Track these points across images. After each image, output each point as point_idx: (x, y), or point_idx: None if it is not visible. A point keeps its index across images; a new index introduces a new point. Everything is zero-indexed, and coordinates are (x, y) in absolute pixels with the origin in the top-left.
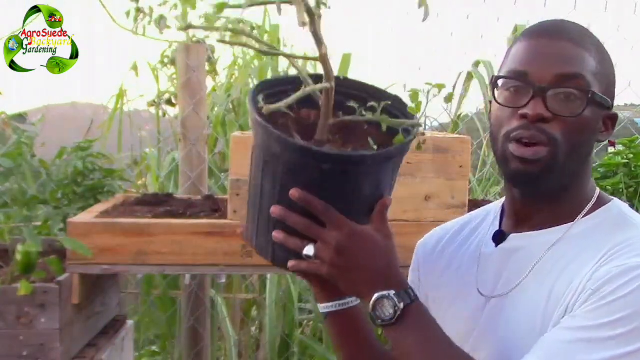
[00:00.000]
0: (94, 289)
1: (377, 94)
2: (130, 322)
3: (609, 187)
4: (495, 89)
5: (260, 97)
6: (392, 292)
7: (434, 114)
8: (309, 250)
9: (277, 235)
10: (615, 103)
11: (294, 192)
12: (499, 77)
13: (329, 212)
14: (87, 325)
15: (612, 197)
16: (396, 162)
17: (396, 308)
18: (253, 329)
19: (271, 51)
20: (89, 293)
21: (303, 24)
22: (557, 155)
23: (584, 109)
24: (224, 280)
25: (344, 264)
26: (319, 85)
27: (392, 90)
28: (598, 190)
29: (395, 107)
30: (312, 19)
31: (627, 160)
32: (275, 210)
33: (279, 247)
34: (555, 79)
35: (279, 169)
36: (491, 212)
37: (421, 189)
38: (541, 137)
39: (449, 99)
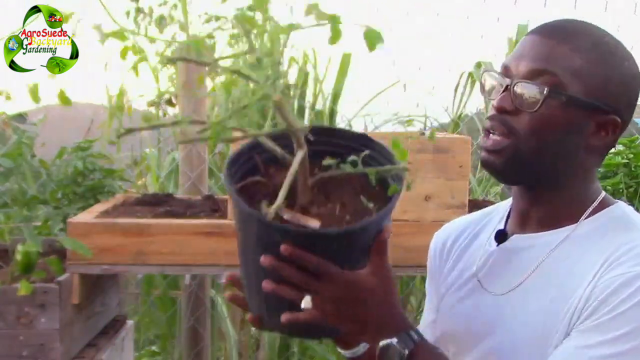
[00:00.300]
0: (94, 289)
1: (347, 136)
2: (130, 322)
3: (609, 187)
4: (487, 81)
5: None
6: (394, 340)
7: (434, 114)
8: (306, 301)
9: (266, 285)
10: None
11: (285, 248)
12: (484, 70)
13: (322, 265)
14: (87, 325)
15: (617, 200)
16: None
17: (401, 355)
18: (253, 329)
19: (243, 135)
20: (89, 293)
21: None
22: (519, 147)
23: (541, 104)
24: (224, 280)
25: (343, 314)
26: (297, 159)
27: (392, 91)
28: (603, 192)
29: (378, 152)
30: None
31: (627, 160)
32: (266, 260)
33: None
34: (523, 74)
35: (280, 250)
36: (500, 211)
37: (421, 189)
38: (501, 127)
39: (431, 137)
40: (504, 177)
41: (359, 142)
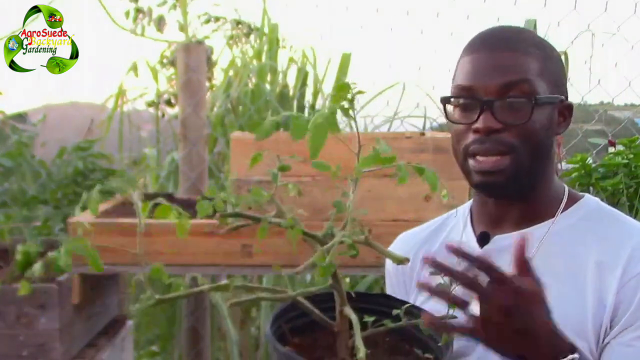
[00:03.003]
0: (94, 289)
1: (389, 302)
2: (130, 322)
3: (609, 187)
4: (447, 107)
5: None
6: (576, 356)
7: (433, 114)
8: (474, 308)
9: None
10: (615, 103)
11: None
12: (447, 97)
13: (490, 265)
14: (87, 325)
15: (583, 193)
16: None
17: None
18: (253, 329)
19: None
20: (89, 293)
21: None
22: (520, 161)
23: (531, 113)
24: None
25: (514, 327)
26: (354, 318)
27: (392, 91)
28: (566, 186)
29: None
30: None
31: (627, 161)
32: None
33: None
34: (499, 90)
35: None
36: (459, 219)
37: (421, 189)
38: (499, 147)
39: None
40: (506, 193)
41: (393, 305)
